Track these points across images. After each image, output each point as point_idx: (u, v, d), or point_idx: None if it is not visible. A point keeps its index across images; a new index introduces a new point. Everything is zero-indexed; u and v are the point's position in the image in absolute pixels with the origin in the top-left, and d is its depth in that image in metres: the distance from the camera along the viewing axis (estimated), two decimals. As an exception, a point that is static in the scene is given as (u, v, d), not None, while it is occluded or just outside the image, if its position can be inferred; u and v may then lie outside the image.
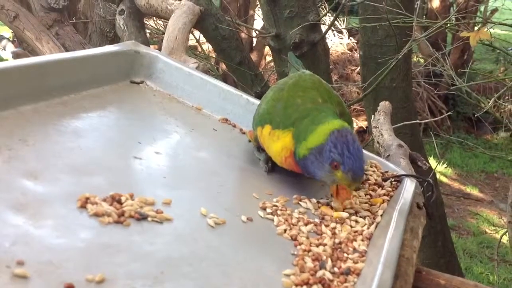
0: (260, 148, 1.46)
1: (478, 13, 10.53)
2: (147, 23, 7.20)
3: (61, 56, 1.40)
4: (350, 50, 10.65)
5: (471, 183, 8.30)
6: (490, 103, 2.34)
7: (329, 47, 10.60)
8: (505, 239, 3.64)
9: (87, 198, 0.99)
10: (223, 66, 5.72)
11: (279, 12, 3.00)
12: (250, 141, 1.52)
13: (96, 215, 0.96)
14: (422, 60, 9.75)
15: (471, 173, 8.61)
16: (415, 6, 3.54)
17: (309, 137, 1.24)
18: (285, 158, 1.30)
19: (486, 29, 2.72)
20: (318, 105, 1.32)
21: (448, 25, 4.25)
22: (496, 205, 7.45)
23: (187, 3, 2.53)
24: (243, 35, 8.05)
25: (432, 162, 8.36)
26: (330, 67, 10.31)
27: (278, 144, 1.30)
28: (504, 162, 7.90)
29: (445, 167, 8.59)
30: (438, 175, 8.21)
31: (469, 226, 7.11)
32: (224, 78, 6.41)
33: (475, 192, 8.06)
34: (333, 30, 10.08)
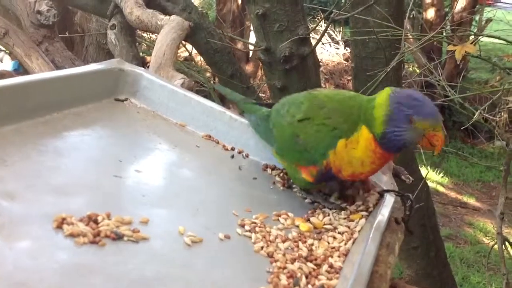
0: (318, 191, 1.42)
1: (474, 23, 10.60)
2: (144, 35, 7.25)
3: (44, 76, 1.42)
4: (346, 60, 10.72)
5: (468, 192, 8.31)
6: (476, 115, 2.36)
7: (326, 56, 10.68)
8: (497, 249, 3.64)
9: (64, 219, 1.00)
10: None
11: (269, 26, 3.03)
12: (292, 186, 1.47)
13: (72, 235, 0.98)
14: (418, 70, 9.79)
15: (467, 183, 8.63)
16: (410, 17, 3.57)
17: (375, 114, 1.27)
18: (373, 152, 1.28)
19: (473, 41, 2.74)
20: (358, 95, 1.37)
21: (442, 36, 4.27)
22: (493, 214, 7.45)
23: (176, 18, 2.55)
24: (239, 46, 8.09)
25: (429, 172, 8.38)
26: (326, 77, 10.39)
27: (361, 145, 1.29)
28: (501, 171, 7.91)
29: (442, 177, 8.60)
30: (434, 185, 8.22)
31: (466, 236, 7.11)
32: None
33: (471, 201, 8.06)
34: (326, 42, 10.12)
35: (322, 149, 1.33)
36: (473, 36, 3.18)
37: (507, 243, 2.97)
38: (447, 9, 10.94)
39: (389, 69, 2.78)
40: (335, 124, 1.32)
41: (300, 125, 1.38)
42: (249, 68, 9.91)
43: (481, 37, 3.32)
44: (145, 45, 8.17)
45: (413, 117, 1.23)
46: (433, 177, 8.47)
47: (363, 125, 1.29)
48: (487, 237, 6.79)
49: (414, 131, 1.25)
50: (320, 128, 1.34)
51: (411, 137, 1.26)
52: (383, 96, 1.27)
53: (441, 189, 8.32)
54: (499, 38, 3.10)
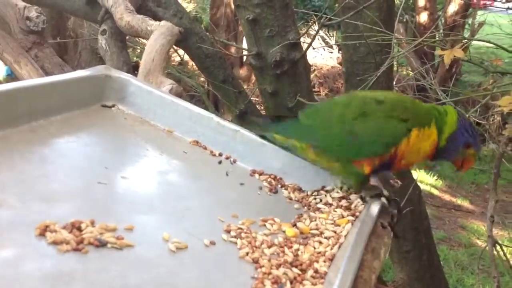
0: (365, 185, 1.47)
1: (467, 26, 10.65)
2: (139, 40, 7.27)
3: (30, 83, 1.41)
4: (340, 64, 10.75)
5: (462, 195, 8.33)
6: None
7: (320, 60, 10.69)
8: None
9: (47, 226, 1.00)
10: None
11: (260, 31, 3.04)
12: (347, 184, 1.50)
13: (55, 243, 0.97)
14: (411, 74, 9.83)
15: (461, 185, 8.65)
16: (403, 21, 3.59)
17: (445, 129, 1.42)
18: (430, 151, 1.43)
19: (463, 46, 2.76)
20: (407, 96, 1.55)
21: (433, 40, 4.29)
22: (486, 216, 7.46)
23: (166, 24, 2.56)
24: (232, 50, 8.10)
25: (423, 175, 8.41)
26: (320, 81, 10.41)
27: (429, 141, 1.41)
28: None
29: (436, 179, 8.63)
30: (428, 187, 8.24)
31: (460, 238, 7.12)
32: (214, 95, 6.44)
33: (465, 204, 8.09)
34: (319, 47, 10.15)
35: (390, 138, 1.41)
36: (464, 40, 3.19)
37: (498, 246, 2.98)
38: (440, 13, 10.97)
39: (379, 73, 2.79)
40: (404, 116, 1.41)
41: (355, 122, 1.42)
42: (243, 72, 9.93)
43: (472, 41, 3.33)
44: (139, 50, 8.18)
45: (470, 145, 1.43)
46: (427, 180, 8.50)
47: (435, 127, 1.42)
48: (480, 240, 6.80)
49: (463, 154, 1.44)
50: (387, 120, 1.41)
51: (456, 157, 1.46)
52: (454, 116, 1.43)
53: (435, 191, 8.34)
54: (489, 42, 3.12)
